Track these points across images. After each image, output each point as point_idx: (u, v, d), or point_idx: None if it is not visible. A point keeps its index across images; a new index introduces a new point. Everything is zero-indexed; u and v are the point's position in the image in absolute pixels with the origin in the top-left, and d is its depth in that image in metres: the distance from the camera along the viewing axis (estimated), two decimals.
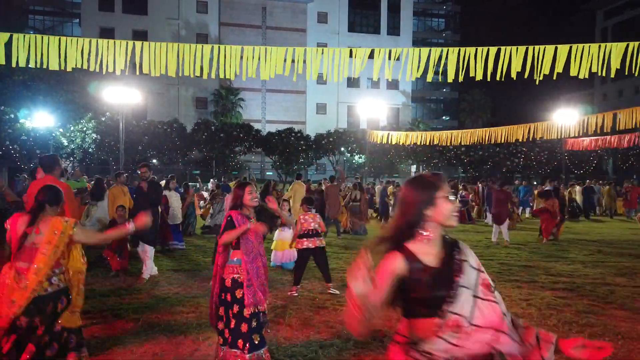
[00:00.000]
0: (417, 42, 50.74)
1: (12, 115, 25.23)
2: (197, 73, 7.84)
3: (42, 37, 7.37)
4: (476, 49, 8.08)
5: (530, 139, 19.17)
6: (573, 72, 7.77)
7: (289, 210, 8.60)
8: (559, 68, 7.84)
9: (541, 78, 7.87)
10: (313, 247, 6.32)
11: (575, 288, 6.76)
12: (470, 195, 17.75)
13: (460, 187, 17.59)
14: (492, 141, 18.89)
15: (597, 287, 6.87)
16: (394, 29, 47.23)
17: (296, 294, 6.22)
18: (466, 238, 12.47)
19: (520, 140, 18.73)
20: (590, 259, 9.35)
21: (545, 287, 6.80)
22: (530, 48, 7.89)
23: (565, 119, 18.27)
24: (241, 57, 8.23)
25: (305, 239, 6.33)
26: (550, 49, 7.84)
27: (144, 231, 7.02)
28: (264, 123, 40.99)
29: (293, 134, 32.37)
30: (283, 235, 8.16)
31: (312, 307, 5.66)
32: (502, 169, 34.16)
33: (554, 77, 8.00)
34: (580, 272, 7.93)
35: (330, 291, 6.35)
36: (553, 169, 33.48)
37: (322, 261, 6.44)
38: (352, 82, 44.25)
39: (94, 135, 27.60)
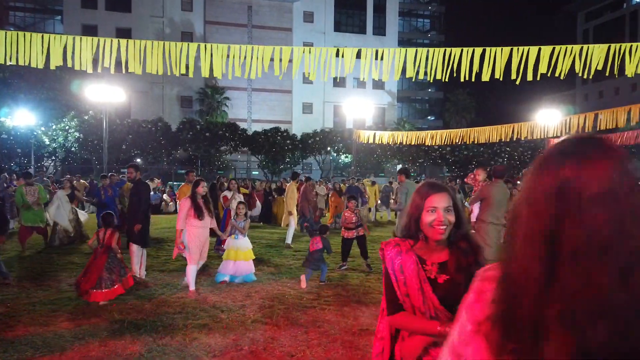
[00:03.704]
0: (403, 43, 51.07)
1: None
2: (183, 71, 7.76)
3: (25, 34, 7.22)
4: (462, 50, 8.14)
5: (514, 139, 19.41)
6: (556, 72, 7.88)
7: (245, 214, 7.17)
8: (543, 69, 7.95)
9: (530, 79, 7.97)
10: (357, 236, 7.67)
11: None
12: None
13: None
14: (477, 141, 19.08)
15: None
16: (379, 29, 47.42)
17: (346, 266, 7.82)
18: None
19: (504, 140, 18.96)
20: None
21: None
22: (515, 49, 7.99)
23: (548, 119, 18.54)
24: (227, 56, 8.17)
25: (352, 231, 7.62)
26: (534, 49, 7.95)
27: (132, 232, 6.92)
28: (250, 122, 40.82)
29: (279, 134, 32.32)
30: (237, 244, 6.93)
31: (299, 306, 5.64)
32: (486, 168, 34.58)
33: (538, 78, 8.10)
34: None
35: (366, 263, 7.76)
36: None
37: (362, 243, 7.81)
38: (338, 82, 44.29)
39: (77, 134, 27.20)
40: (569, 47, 7.88)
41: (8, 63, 7.49)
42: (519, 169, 34.61)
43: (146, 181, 16.78)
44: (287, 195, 11.44)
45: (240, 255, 6.83)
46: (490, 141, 19.08)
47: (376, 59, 8.63)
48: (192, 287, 6.25)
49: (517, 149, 33.46)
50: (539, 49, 7.93)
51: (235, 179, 8.84)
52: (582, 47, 7.91)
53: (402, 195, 7.65)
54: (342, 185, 15.97)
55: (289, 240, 10.57)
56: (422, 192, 1.93)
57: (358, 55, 8.61)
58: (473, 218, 6.45)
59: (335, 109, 44.52)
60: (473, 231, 6.43)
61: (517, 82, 7.90)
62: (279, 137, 32.03)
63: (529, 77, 7.91)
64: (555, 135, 18.18)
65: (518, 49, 7.97)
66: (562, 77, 7.87)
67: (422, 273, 1.87)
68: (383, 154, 33.32)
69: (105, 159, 21.13)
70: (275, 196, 15.68)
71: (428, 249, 1.92)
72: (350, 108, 26.96)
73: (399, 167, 38.00)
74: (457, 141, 19.86)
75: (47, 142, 26.86)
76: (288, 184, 12.27)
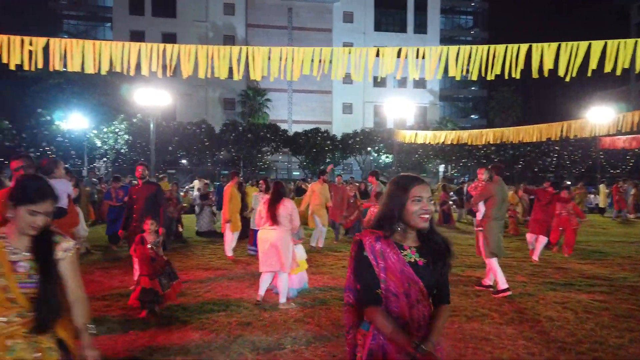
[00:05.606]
0: (445, 41, 50.06)
1: (48, 118, 26.15)
2: (227, 75, 7.93)
3: (78, 42, 7.59)
4: (506, 47, 7.92)
5: (563, 138, 18.66)
6: (607, 68, 7.53)
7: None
8: (593, 64, 7.61)
9: (574, 75, 7.66)
10: None
11: (613, 291, 6.54)
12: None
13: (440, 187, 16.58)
14: (523, 140, 18.46)
15: (637, 290, 6.63)
16: (420, 27, 46.73)
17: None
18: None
19: (552, 139, 18.26)
20: (629, 261, 9.03)
21: (582, 290, 6.61)
22: (563, 44, 7.69)
23: (600, 116, 17.71)
24: (269, 58, 8.29)
25: None
26: (584, 45, 7.62)
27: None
28: (291, 123, 41.17)
29: (319, 134, 32.44)
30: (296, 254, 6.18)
31: (341, 306, 5.65)
32: (533, 168, 33.38)
33: (588, 74, 7.77)
34: (618, 275, 7.68)
35: None
36: (588, 168, 32.58)
37: None
38: (379, 82, 43.91)
39: (126, 137, 28.29)
40: (622, 41, 7.50)
41: (62, 69, 7.88)
42: (568, 169, 33.28)
43: (195, 181, 16.64)
44: (309, 195, 10.61)
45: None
46: (538, 140, 18.43)
47: (417, 57, 8.53)
48: (282, 299, 5.71)
49: (567, 148, 32.18)
50: (589, 44, 7.60)
51: (266, 179, 8.24)
52: (636, 42, 7.52)
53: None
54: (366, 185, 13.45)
55: (312, 242, 10.23)
56: (404, 184, 2.00)
57: (399, 55, 8.53)
58: (479, 216, 6.71)
59: (375, 109, 44.23)
60: (480, 229, 6.64)
61: (567, 79, 7.60)
62: (319, 138, 32.16)
63: (575, 74, 7.60)
64: (610, 133, 17.36)
65: (567, 44, 7.67)
66: (617, 73, 7.51)
67: (402, 258, 1.94)
68: (425, 154, 32.82)
69: (153, 160, 21.83)
70: (294, 197, 15.22)
71: (403, 237, 2.00)
72: (390, 108, 26.73)
73: (442, 167, 37.33)
74: (502, 140, 19.31)
75: (99, 144, 28.08)
76: (311, 184, 11.66)
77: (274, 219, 5.65)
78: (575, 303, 5.89)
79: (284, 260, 5.64)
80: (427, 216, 1.95)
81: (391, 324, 1.88)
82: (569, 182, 21.30)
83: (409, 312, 1.92)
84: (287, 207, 5.71)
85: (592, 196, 22.16)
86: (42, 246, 2.07)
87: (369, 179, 10.06)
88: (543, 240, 8.97)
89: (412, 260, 1.96)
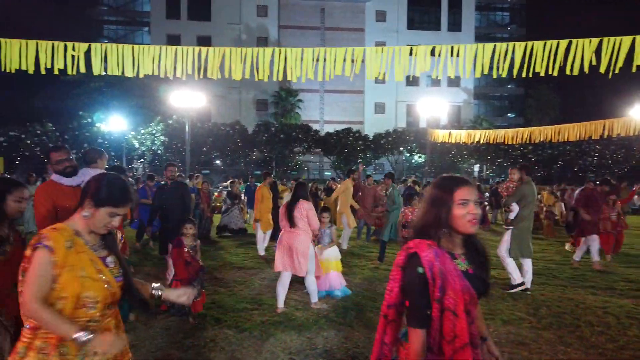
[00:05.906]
0: (480, 38, 49.04)
1: (89, 120, 27.13)
2: (261, 77, 8.02)
3: (117, 46, 7.83)
4: (544, 43, 7.70)
5: (605, 136, 17.98)
6: None
7: (330, 221, 6.63)
8: (638, 60, 7.31)
9: (617, 72, 7.37)
10: None
11: None
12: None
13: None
14: (562, 139, 17.90)
15: None
16: (454, 25, 45.99)
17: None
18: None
19: (593, 137, 17.62)
20: None
21: (624, 294, 6.36)
22: (605, 40, 7.41)
23: None
24: (301, 59, 8.32)
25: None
26: (627, 39, 7.32)
27: (170, 235, 6.04)
28: (322, 123, 41.27)
29: (351, 134, 32.41)
30: (327, 255, 6.32)
31: (373, 308, 5.63)
32: (573, 168, 32.30)
33: (633, 70, 7.46)
34: None
35: None
36: (631, 167, 31.28)
37: None
38: (411, 81, 43.51)
39: (162, 138, 29.03)
40: None
41: (102, 73, 8.14)
42: (610, 169, 32.02)
43: (231, 181, 16.69)
44: (341, 190, 10.43)
45: (331, 267, 6.28)
46: (578, 139, 17.83)
47: (452, 56, 8.39)
48: (313, 299, 5.72)
49: (609, 147, 30.99)
50: (633, 39, 7.29)
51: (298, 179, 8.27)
52: None
53: (396, 197, 8.86)
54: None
55: (344, 245, 10.04)
56: (447, 186, 1.85)
57: (432, 53, 8.41)
58: (512, 216, 6.72)
59: (408, 108, 43.80)
60: (512, 227, 6.61)
61: (610, 76, 7.32)
62: (350, 138, 32.14)
63: (617, 70, 7.30)
64: None
65: (608, 39, 7.39)
66: None
67: (458, 269, 1.78)
68: (459, 153, 32.29)
69: (188, 160, 22.34)
70: (324, 197, 15.06)
71: (451, 244, 1.86)
72: (423, 107, 26.43)
73: (477, 167, 36.64)
74: (540, 139, 18.78)
75: (137, 145, 28.93)
76: (341, 183, 11.53)
77: (290, 221, 5.52)
78: (617, 308, 5.67)
79: (301, 263, 5.46)
80: (476, 220, 1.80)
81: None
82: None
83: (468, 330, 1.73)
84: (302, 210, 5.52)
85: (635, 197, 21.28)
86: (111, 240, 2.13)
87: (385, 182, 9.92)
88: (595, 241, 8.34)
89: (464, 269, 1.81)
